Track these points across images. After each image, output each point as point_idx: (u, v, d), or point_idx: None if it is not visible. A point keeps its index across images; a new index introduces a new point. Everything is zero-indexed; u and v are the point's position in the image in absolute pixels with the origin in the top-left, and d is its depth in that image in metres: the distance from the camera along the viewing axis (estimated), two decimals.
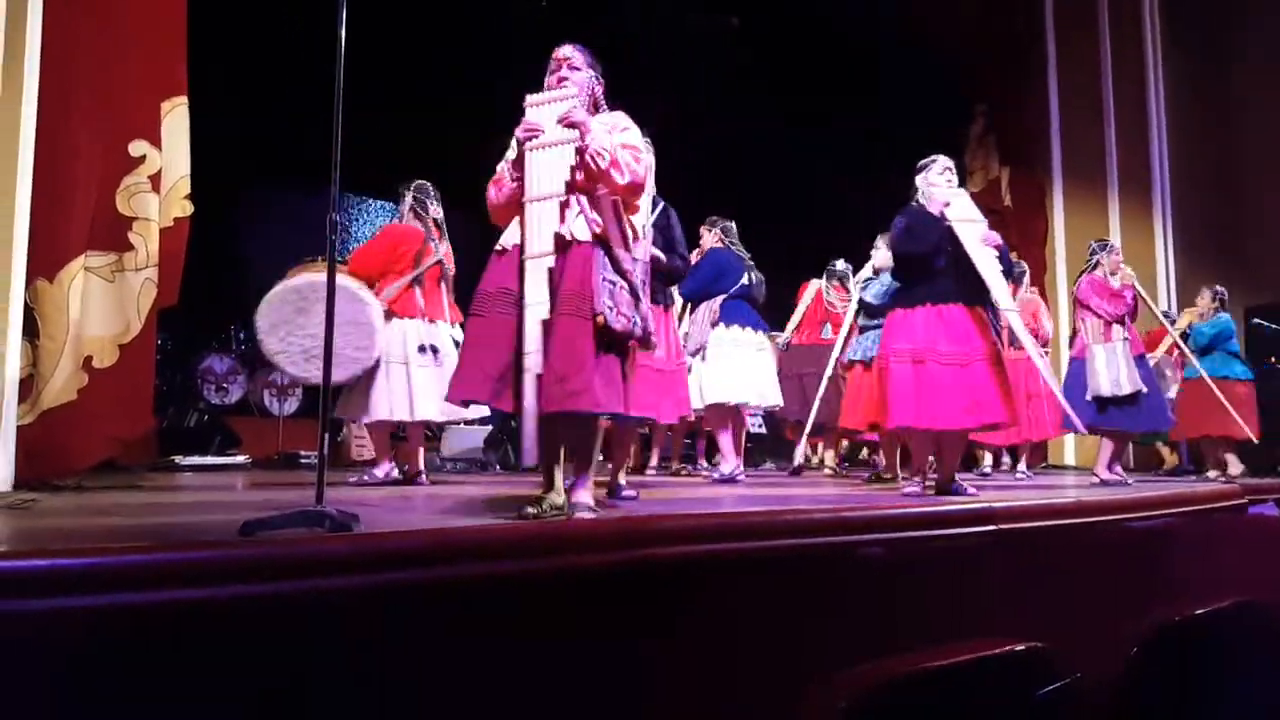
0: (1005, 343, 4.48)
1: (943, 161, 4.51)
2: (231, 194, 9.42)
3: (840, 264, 7.31)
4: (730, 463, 5.77)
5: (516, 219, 2.92)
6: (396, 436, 5.27)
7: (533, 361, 2.62)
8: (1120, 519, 3.73)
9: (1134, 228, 9.84)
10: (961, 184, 4.62)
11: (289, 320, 4.56)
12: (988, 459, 7.64)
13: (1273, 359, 8.05)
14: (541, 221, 2.81)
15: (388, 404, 4.71)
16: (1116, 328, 6.03)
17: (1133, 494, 4.32)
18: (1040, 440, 7.27)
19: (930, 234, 4.26)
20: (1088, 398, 5.94)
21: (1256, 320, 7.71)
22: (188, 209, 4.76)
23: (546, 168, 2.87)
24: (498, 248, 3.00)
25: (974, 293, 4.25)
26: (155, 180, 4.53)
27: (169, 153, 4.65)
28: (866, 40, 10.28)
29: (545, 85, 3.06)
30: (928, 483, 4.43)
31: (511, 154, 2.98)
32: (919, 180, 4.50)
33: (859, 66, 10.46)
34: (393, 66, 8.57)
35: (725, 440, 5.91)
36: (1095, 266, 6.28)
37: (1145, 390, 5.90)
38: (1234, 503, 4.73)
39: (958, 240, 4.23)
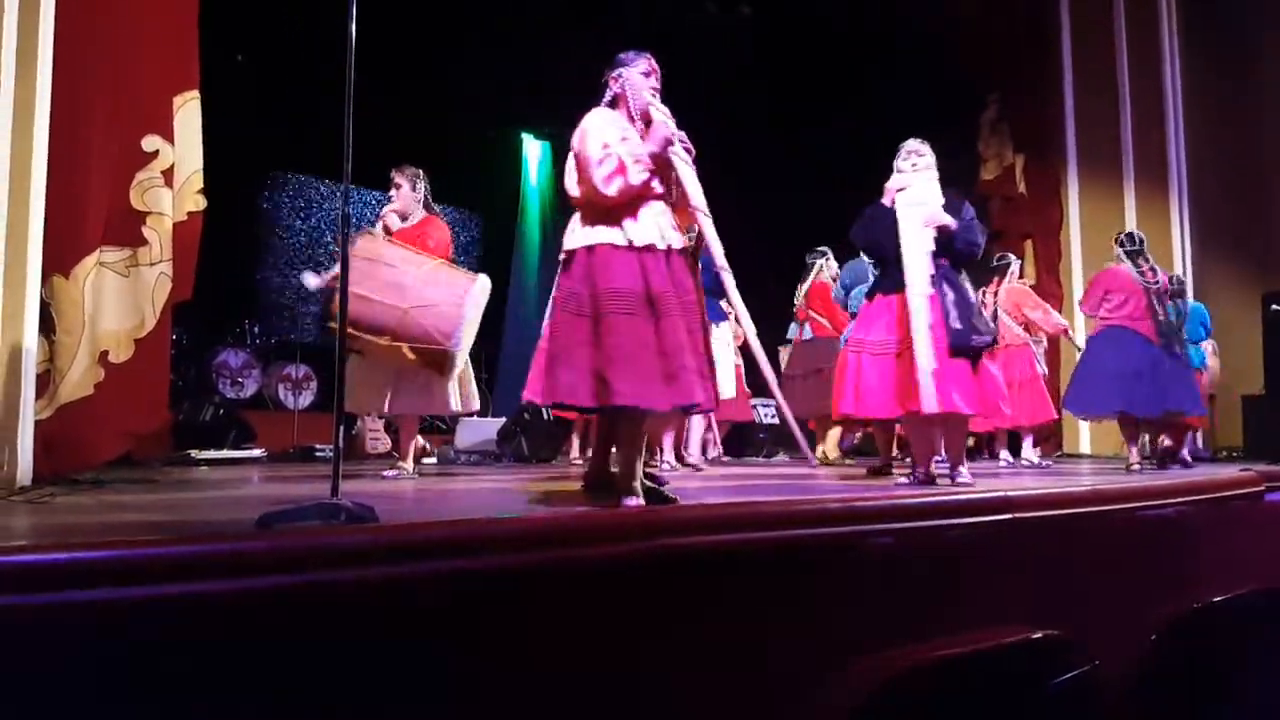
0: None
1: (907, 146, 4.48)
2: (245, 188, 9.48)
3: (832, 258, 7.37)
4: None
5: (649, 218, 2.97)
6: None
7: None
8: (1137, 506, 3.71)
9: (1150, 215, 9.75)
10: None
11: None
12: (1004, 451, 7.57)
13: None
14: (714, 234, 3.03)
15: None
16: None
17: (1149, 481, 4.29)
18: (1036, 425, 7.19)
19: (875, 226, 4.30)
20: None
21: (1275, 306, 7.63)
22: (201, 203, 4.78)
23: (694, 182, 3.02)
24: (640, 244, 2.92)
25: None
26: (168, 175, 4.56)
27: (181, 147, 4.67)
28: (880, 28, 10.23)
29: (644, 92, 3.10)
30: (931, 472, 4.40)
31: (622, 145, 2.95)
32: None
33: (873, 54, 10.43)
34: (400, 61, 8.59)
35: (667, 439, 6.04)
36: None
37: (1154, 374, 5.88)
38: (1251, 490, 4.70)
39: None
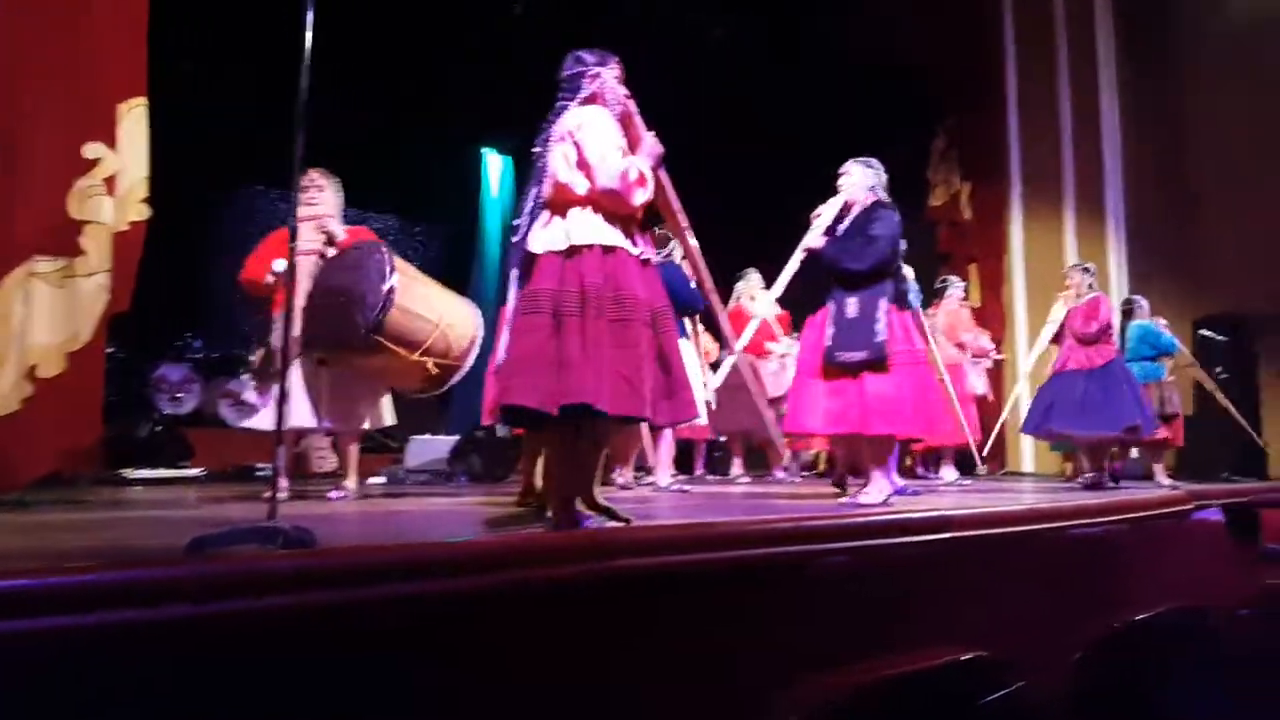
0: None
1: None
2: (190, 197, 9.30)
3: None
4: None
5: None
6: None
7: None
8: (1071, 525, 3.78)
9: (1089, 239, 10.02)
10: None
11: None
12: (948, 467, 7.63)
13: (1220, 369, 8.19)
14: None
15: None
16: None
17: (1084, 500, 4.37)
18: (954, 445, 7.30)
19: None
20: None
21: (1204, 331, 7.84)
22: (144, 213, 4.66)
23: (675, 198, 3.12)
24: (643, 256, 2.89)
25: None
26: (110, 183, 4.45)
27: (126, 155, 4.56)
28: (833, 58, 10.38)
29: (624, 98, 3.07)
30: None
31: (624, 151, 2.90)
32: None
33: (825, 84, 10.55)
34: (354, 69, 8.51)
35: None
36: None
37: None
38: (1180, 508, 4.82)
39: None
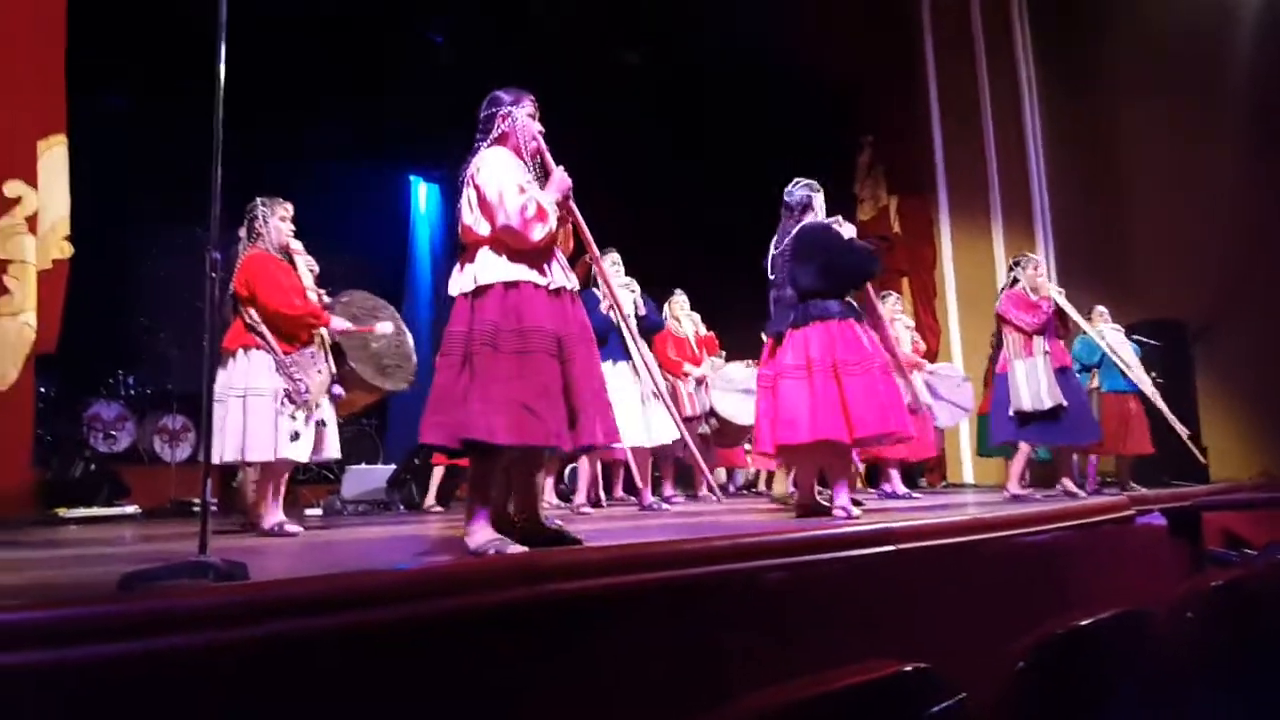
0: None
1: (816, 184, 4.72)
2: (116, 234, 9.14)
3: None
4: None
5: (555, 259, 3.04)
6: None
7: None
8: (1013, 534, 3.84)
9: (1018, 250, 10.13)
10: (853, 213, 4.81)
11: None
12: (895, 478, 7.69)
13: (1154, 375, 8.37)
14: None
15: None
16: (1037, 341, 6.02)
17: (1026, 509, 4.43)
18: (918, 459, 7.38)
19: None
20: (1010, 413, 5.98)
21: (1135, 338, 8.02)
22: (67, 250, 4.59)
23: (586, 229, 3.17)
24: (554, 286, 2.96)
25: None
26: (32, 221, 4.38)
27: (47, 193, 4.50)
28: (753, 74, 10.50)
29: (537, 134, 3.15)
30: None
31: (531, 186, 2.99)
32: None
33: (747, 101, 10.68)
34: (274, 100, 8.45)
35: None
36: (1014, 283, 6.32)
37: (1066, 404, 5.87)
38: (1122, 514, 4.90)
39: None
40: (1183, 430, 6.95)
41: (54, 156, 4.60)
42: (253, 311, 4.28)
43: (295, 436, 4.21)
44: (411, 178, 12.20)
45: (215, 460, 4.34)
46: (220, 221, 2.30)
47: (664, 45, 10.44)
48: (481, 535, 2.76)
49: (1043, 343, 6.05)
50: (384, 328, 4.68)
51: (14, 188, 4.36)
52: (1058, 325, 6.22)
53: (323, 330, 4.41)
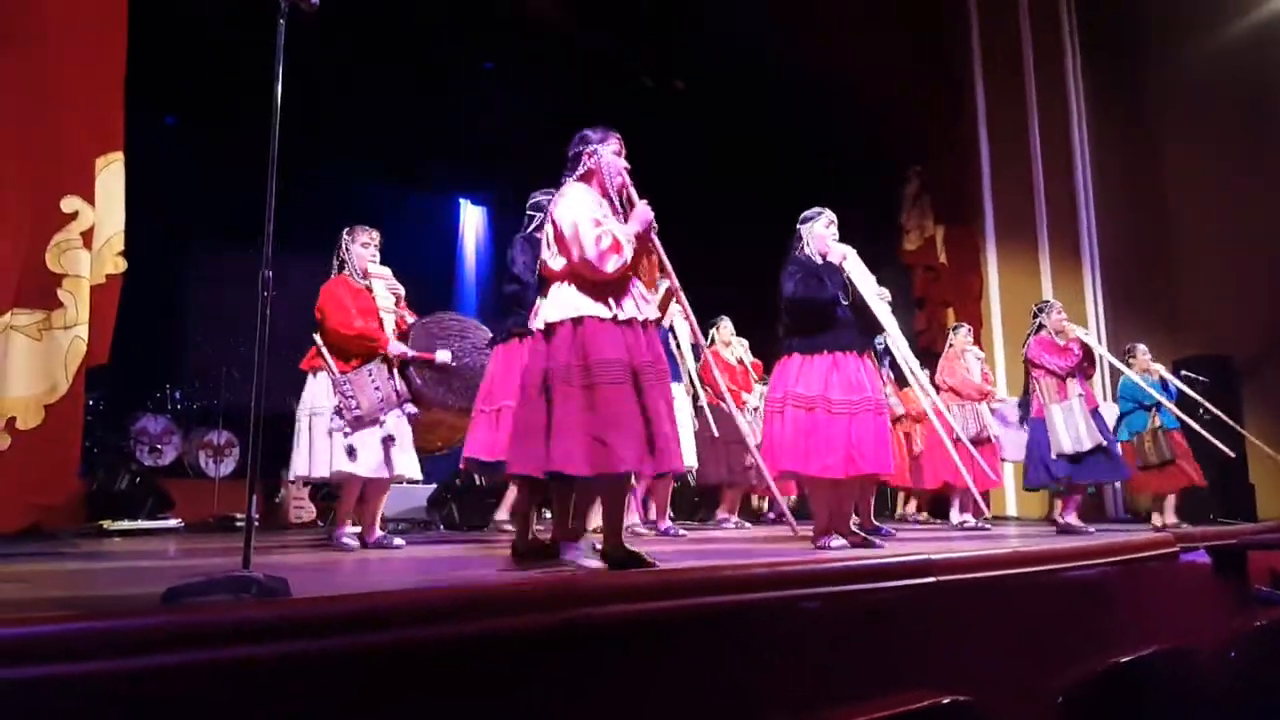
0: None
1: (829, 215, 4.60)
2: (168, 251, 9.32)
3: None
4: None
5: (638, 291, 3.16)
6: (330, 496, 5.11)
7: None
8: (1056, 569, 3.78)
9: (1065, 283, 10.08)
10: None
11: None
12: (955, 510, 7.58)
13: (1201, 411, 8.22)
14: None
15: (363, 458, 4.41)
16: (1070, 384, 6.08)
17: (1068, 543, 4.37)
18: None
19: (833, 281, 4.35)
20: (1053, 456, 6.01)
21: (1184, 373, 7.88)
22: (120, 266, 4.68)
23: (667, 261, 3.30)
24: (624, 318, 3.05)
25: (866, 342, 4.42)
26: (88, 237, 4.47)
27: (103, 209, 4.59)
28: (802, 104, 10.52)
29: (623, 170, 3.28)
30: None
31: (608, 219, 3.10)
32: (804, 230, 4.56)
33: (795, 130, 10.70)
34: (328, 123, 8.60)
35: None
36: (1040, 329, 6.38)
37: (1104, 443, 5.93)
38: (1166, 550, 4.81)
39: (854, 291, 4.35)
40: (1228, 451, 6.82)
41: (111, 173, 4.70)
42: (318, 335, 4.50)
43: (350, 451, 4.31)
44: (460, 200, 12.32)
45: (292, 476, 4.71)
46: (272, 241, 2.33)
47: (712, 75, 10.47)
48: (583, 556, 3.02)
49: (1076, 385, 6.12)
50: (443, 355, 4.70)
51: (71, 203, 4.46)
52: (1086, 365, 6.24)
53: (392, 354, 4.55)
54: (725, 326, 7.48)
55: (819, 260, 4.44)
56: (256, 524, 2.21)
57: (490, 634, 2.00)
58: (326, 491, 7.06)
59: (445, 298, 11.77)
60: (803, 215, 4.62)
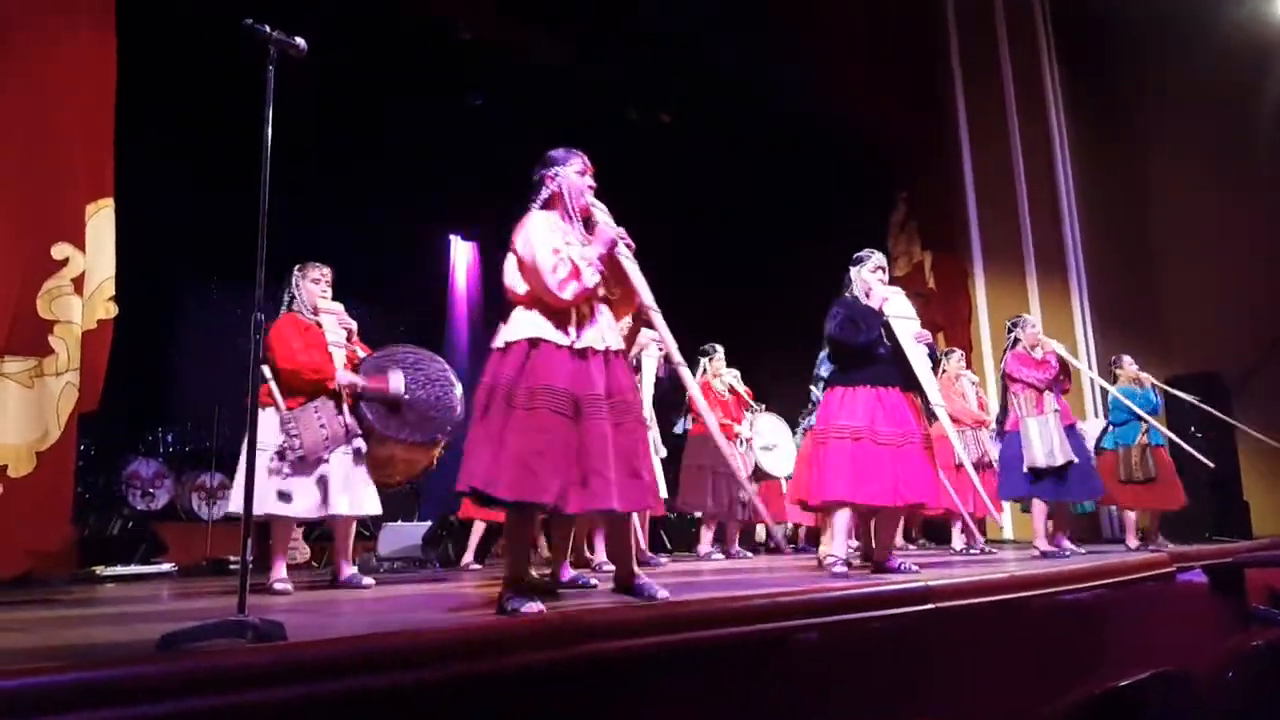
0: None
1: (877, 259, 4.71)
2: (158, 296, 9.32)
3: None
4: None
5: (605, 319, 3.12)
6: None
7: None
8: (1052, 592, 3.78)
9: (1053, 305, 10.17)
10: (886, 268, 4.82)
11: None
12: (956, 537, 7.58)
13: (1194, 429, 8.26)
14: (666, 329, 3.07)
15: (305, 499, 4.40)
16: (1048, 398, 6.12)
17: (1065, 566, 4.37)
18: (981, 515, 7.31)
19: (872, 326, 4.43)
20: (1024, 469, 6.02)
21: (1174, 391, 7.91)
22: (111, 311, 4.67)
23: (641, 279, 3.11)
24: (580, 345, 3.00)
25: (909, 379, 4.45)
26: (78, 283, 4.47)
27: (93, 255, 4.59)
28: (787, 133, 10.62)
29: (586, 190, 3.23)
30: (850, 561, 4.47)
31: (570, 249, 3.03)
32: (853, 272, 4.67)
33: (781, 159, 10.79)
34: (317, 161, 8.64)
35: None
36: (1015, 343, 6.44)
37: (1076, 460, 5.94)
38: (1162, 571, 4.82)
39: (894, 333, 4.40)
40: (1207, 462, 6.83)
41: (102, 219, 4.70)
42: (266, 369, 4.38)
43: (282, 495, 4.27)
44: (450, 236, 12.38)
45: (232, 508, 4.59)
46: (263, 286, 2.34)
47: (698, 105, 10.57)
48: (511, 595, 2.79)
49: (1053, 400, 6.17)
50: (396, 383, 4.59)
51: (62, 250, 4.46)
52: (1062, 379, 6.29)
53: (341, 382, 4.46)
54: (718, 357, 7.47)
55: (863, 302, 4.52)
56: (251, 566, 2.20)
57: (488, 674, 1.99)
58: (320, 532, 7.01)
59: (437, 332, 11.80)
60: (854, 256, 4.76)
